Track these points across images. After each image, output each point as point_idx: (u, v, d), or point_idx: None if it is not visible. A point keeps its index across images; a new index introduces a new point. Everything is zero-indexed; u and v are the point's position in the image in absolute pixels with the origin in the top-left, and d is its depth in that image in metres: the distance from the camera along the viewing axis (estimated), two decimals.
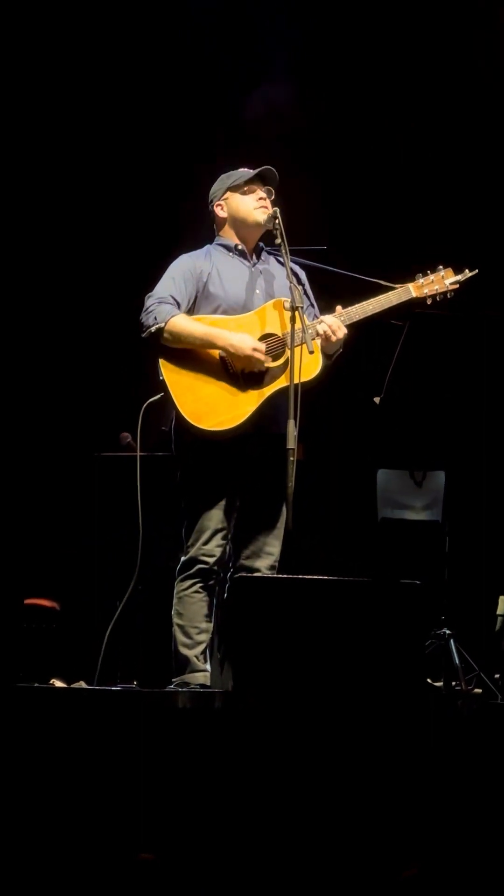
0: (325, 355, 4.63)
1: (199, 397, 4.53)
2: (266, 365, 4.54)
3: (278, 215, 4.60)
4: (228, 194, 4.75)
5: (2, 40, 6.69)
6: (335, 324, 4.58)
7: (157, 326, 4.54)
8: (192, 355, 4.57)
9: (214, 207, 4.79)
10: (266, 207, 4.70)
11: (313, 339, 4.54)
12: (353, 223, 6.90)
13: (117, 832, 3.71)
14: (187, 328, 4.55)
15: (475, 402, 5.49)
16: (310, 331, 4.51)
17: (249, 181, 4.72)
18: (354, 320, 4.63)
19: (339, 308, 4.64)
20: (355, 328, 4.64)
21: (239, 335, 4.53)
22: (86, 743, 3.82)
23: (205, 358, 4.57)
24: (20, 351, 6.93)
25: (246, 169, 4.76)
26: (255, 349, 4.51)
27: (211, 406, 4.52)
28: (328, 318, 4.60)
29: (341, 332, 4.59)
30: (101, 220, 6.98)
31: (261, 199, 4.70)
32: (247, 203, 4.72)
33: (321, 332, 4.56)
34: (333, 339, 4.57)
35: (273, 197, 4.70)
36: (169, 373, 4.56)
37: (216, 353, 4.56)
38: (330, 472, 7.22)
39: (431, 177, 6.85)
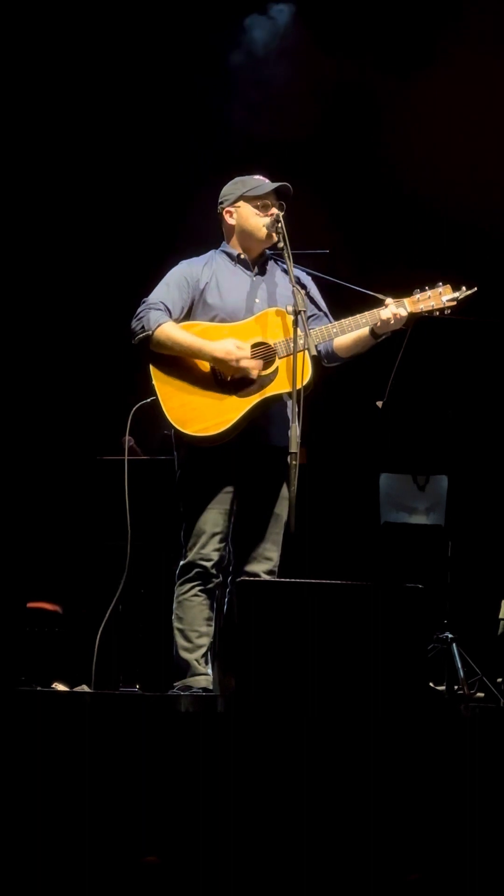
0: (374, 336, 4.63)
1: (186, 403, 4.54)
2: (256, 373, 4.53)
3: (281, 219, 4.57)
4: (241, 203, 4.69)
5: (3, 43, 6.70)
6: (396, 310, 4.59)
7: (144, 334, 4.56)
8: (181, 361, 4.58)
9: (224, 212, 4.74)
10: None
11: (315, 343, 4.53)
12: (355, 230, 6.90)
13: (120, 836, 3.71)
14: (174, 337, 4.55)
15: (478, 407, 5.48)
16: (309, 337, 4.48)
17: (266, 195, 4.65)
18: (347, 332, 4.62)
19: (328, 323, 4.63)
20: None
21: (223, 348, 4.52)
22: (88, 747, 3.82)
23: (194, 364, 4.58)
24: (23, 355, 6.93)
25: (261, 178, 4.71)
26: (238, 359, 4.51)
27: (197, 412, 4.53)
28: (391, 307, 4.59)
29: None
30: (105, 225, 6.98)
31: (271, 215, 4.63)
32: (259, 218, 4.66)
33: (384, 317, 4.56)
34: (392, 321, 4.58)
35: (284, 212, 4.59)
36: (158, 378, 4.58)
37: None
38: (333, 476, 7.21)
39: (433, 184, 6.85)
